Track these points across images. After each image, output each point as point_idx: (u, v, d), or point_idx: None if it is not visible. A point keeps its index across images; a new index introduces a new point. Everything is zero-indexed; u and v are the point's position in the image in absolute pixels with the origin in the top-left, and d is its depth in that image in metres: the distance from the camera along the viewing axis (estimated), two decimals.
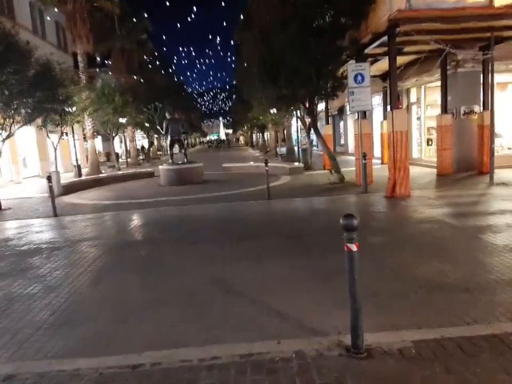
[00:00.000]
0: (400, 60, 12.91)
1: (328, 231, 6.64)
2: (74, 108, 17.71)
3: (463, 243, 5.48)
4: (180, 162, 15.69)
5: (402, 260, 4.93)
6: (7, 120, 11.97)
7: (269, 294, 4.15)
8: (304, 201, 9.84)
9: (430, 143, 16.29)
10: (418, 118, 16.43)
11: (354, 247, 2.83)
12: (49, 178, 10.37)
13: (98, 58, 35.41)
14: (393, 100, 9.28)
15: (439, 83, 13.85)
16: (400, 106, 10.71)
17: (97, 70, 33.99)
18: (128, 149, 35.26)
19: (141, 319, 3.78)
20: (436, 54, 12.49)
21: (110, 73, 32.25)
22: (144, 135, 41.71)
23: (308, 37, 10.57)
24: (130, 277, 4.98)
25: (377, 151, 17.37)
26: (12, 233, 8.29)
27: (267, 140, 42.07)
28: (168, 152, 16.33)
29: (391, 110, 9.30)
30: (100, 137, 35.68)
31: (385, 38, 9.66)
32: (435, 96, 15.89)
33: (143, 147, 38.44)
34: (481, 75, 12.14)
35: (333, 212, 8.42)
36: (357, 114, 11.72)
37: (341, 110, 25.82)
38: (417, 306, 3.67)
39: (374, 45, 10.28)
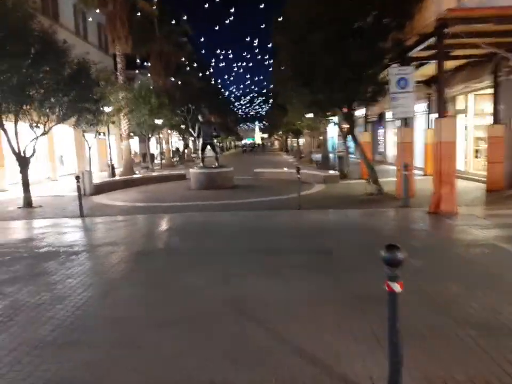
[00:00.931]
0: (447, 64, 12.03)
1: (363, 249, 6.01)
2: (110, 108, 17.85)
3: None
4: (211, 166, 15.40)
5: (450, 292, 4.26)
6: (42, 118, 12.05)
7: (291, 323, 3.62)
8: (338, 213, 9.20)
9: (477, 155, 15.19)
10: (466, 128, 15.36)
11: (397, 287, 2.24)
12: (77, 178, 10.27)
13: (138, 60, 36.07)
14: (441, 107, 8.50)
15: (489, 91, 12.85)
16: (447, 114, 9.84)
17: (136, 71, 34.57)
18: (163, 150, 35.57)
19: (143, 345, 3.34)
20: (486, 59, 11.57)
21: (149, 74, 32.69)
22: (180, 137, 42.08)
23: (348, 38, 9.96)
24: (141, 292, 4.57)
25: (419, 161, 16.39)
26: (35, 233, 8.17)
27: (302, 145, 41.38)
28: (200, 155, 16.09)
29: (438, 118, 8.53)
30: (136, 138, 36.22)
31: (432, 40, 8.91)
32: (484, 104, 14.82)
33: (177, 149, 38.70)
34: None
35: (369, 227, 7.75)
36: (399, 121, 10.98)
37: (380, 117, 24.84)
38: (468, 353, 3.04)
39: (420, 47, 9.53)
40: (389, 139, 24.11)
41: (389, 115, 23.13)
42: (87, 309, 4.08)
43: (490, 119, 13.53)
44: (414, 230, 7.32)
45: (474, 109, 15.20)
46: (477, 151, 15.37)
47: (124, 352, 3.26)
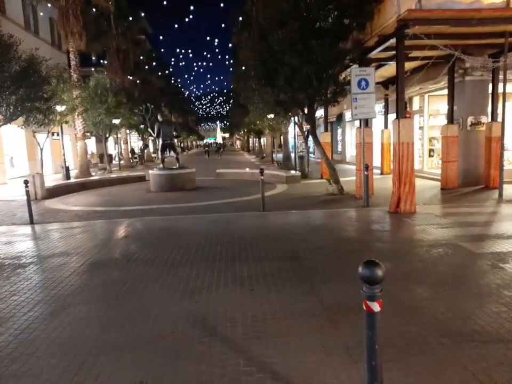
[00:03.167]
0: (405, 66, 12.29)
1: (330, 252, 5.92)
2: (63, 107, 16.94)
3: (486, 275, 4.76)
4: (171, 167, 14.95)
5: (416, 296, 4.21)
6: None
7: (260, 340, 3.41)
8: (302, 214, 9.11)
9: (432, 153, 15.67)
10: (421, 128, 15.80)
11: (377, 307, 2.09)
12: (26, 182, 9.60)
13: (93, 58, 34.72)
14: (401, 108, 8.60)
15: (443, 92, 13.26)
16: (408, 115, 9.99)
17: (92, 69, 33.22)
18: (121, 151, 34.40)
19: (96, 373, 3.02)
20: (442, 61, 11.90)
21: (105, 72, 31.50)
22: (139, 137, 40.87)
23: (309, 38, 9.91)
24: (94, 309, 4.20)
25: (376, 161, 16.69)
26: None
27: (263, 145, 41.39)
28: (159, 156, 15.60)
29: (397, 119, 8.63)
30: (93, 138, 34.79)
31: (391, 42, 9.03)
32: (439, 105, 15.31)
33: (132, 150, 37.29)
34: (491, 84, 11.51)
35: (334, 228, 7.70)
36: (359, 122, 11.07)
37: (339, 117, 25.21)
38: (443, 363, 2.95)
39: (380, 48, 9.64)
40: (348, 139, 24.52)
41: (347, 115, 23.50)
42: (32, 332, 3.68)
43: (443, 119, 13.98)
44: (377, 230, 7.31)
45: (429, 109, 15.67)
46: (431, 150, 15.86)
47: None
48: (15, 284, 4.99)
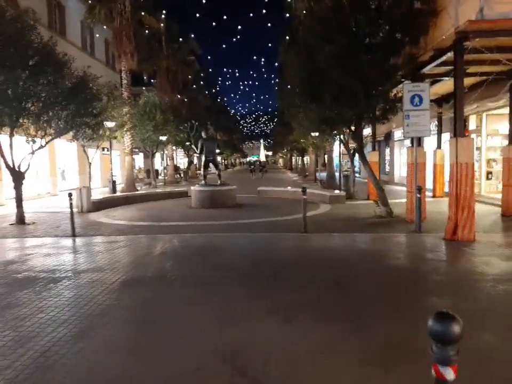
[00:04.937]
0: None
1: (379, 282, 5.34)
2: (112, 123, 17.45)
3: None
4: (213, 184, 14.85)
5: (485, 343, 3.57)
6: (39, 132, 11.59)
7: (304, 383, 2.95)
8: (348, 238, 8.51)
9: (490, 176, 14.54)
10: (478, 148, 14.73)
11: (450, 373, 1.58)
12: (70, 195, 9.72)
13: (145, 77, 36.10)
14: (459, 126, 7.89)
15: (503, 110, 12.29)
16: (467, 133, 9.24)
17: (143, 88, 34.49)
18: (166, 166, 35.16)
19: None
20: (503, 77, 11.04)
21: (155, 91, 32.55)
22: (185, 154, 41.66)
23: (358, 54, 9.48)
24: (120, 333, 3.90)
25: (428, 183, 15.72)
26: (19, 255, 7.55)
27: (306, 163, 40.85)
28: (202, 172, 15.56)
29: (454, 137, 7.93)
30: (141, 154, 35.88)
31: (448, 56, 8.39)
32: (497, 124, 14.27)
33: (177, 167, 37.92)
34: None
35: (384, 254, 7.07)
36: (410, 141, 10.41)
37: (387, 136, 24.33)
38: None
39: (435, 63, 9.01)
40: (396, 159, 23.55)
41: (396, 134, 22.61)
42: (51, 356, 3.42)
43: (500, 140, 12.94)
44: (433, 260, 6.60)
45: (487, 129, 14.63)
46: (489, 173, 14.73)
47: None
48: (44, 300, 4.82)
